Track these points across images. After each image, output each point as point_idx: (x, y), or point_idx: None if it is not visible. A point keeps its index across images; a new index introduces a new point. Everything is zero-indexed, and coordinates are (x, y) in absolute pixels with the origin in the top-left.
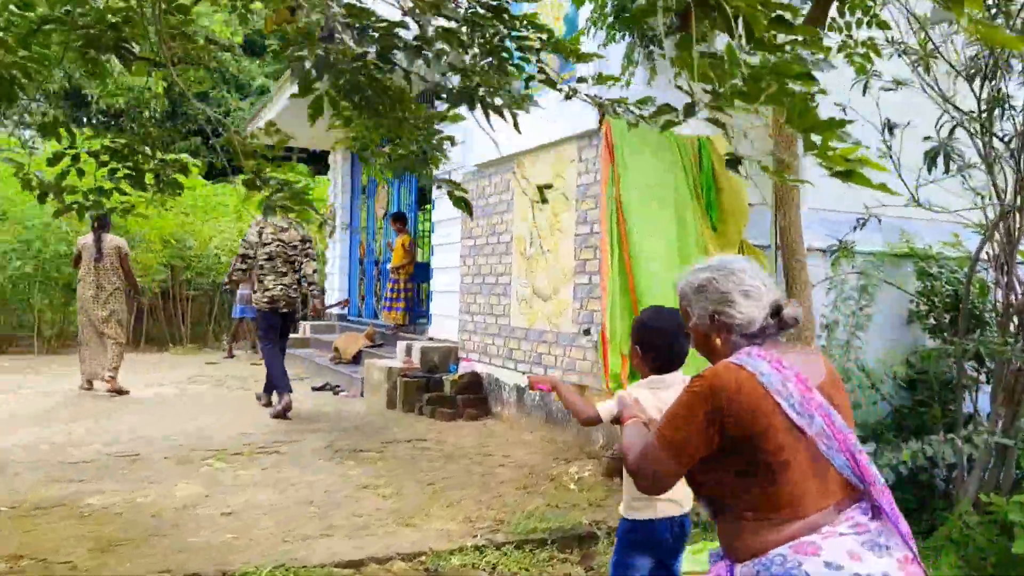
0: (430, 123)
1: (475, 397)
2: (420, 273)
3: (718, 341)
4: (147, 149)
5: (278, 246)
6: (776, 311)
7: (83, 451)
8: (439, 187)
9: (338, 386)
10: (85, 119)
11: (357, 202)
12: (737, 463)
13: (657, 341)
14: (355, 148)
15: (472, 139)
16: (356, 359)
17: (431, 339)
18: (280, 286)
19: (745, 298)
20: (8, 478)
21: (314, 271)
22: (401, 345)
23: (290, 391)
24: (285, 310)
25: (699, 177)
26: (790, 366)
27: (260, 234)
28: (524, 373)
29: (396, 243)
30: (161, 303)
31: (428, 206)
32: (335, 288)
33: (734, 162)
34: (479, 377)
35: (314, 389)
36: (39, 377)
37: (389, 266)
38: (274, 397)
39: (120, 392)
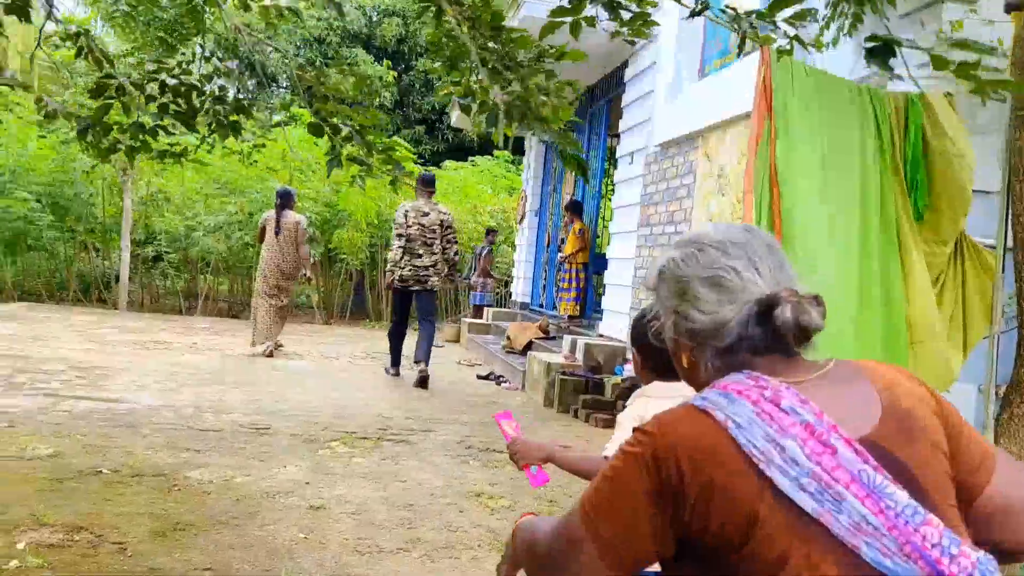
0: (540, 61)
1: None
2: (600, 264)
3: (685, 361)
4: (199, 86)
5: (418, 229)
6: (765, 310)
7: (219, 419)
8: (551, 145)
9: (501, 377)
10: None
11: (547, 189)
12: None
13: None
14: (459, 93)
15: (655, 115)
16: (527, 349)
17: (600, 336)
18: (411, 267)
19: (711, 289)
20: (132, 439)
21: (456, 253)
22: (567, 340)
23: (399, 364)
24: (415, 288)
25: (903, 146)
26: (803, 405)
27: (405, 216)
28: None
29: (570, 231)
30: (367, 278)
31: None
32: (520, 275)
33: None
34: None
35: (479, 378)
36: (235, 339)
37: (560, 255)
38: (421, 366)
39: (271, 355)
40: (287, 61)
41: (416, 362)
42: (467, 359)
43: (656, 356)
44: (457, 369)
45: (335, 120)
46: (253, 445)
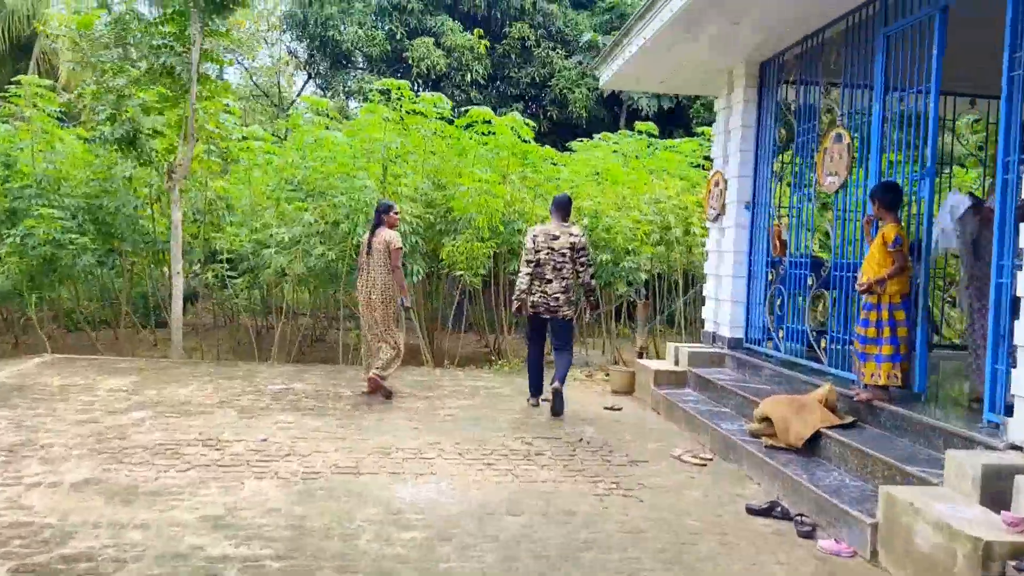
0: None
1: None
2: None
3: None
4: None
5: (547, 253)
6: None
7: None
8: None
9: (801, 516)
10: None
11: (766, 167)
12: None
13: None
14: None
15: None
16: (810, 446)
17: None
18: (541, 293)
19: None
20: None
21: (592, 276)
22: (960, 459)
23: (540, 393)
24: (546, 316)
25: None
26: None
27: (534, 241)
28: None
29: (876, 238)
30: (483, 293)
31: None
32: (723, 297)
33: None
34: None
35: (753, 512)
36: (330, 424)
37: (859, 283)
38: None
39: (377, 391)
40: (364, 35)
41: (552, 384)
42: (687, 449)
43: None
44: (686, 476)
45: None
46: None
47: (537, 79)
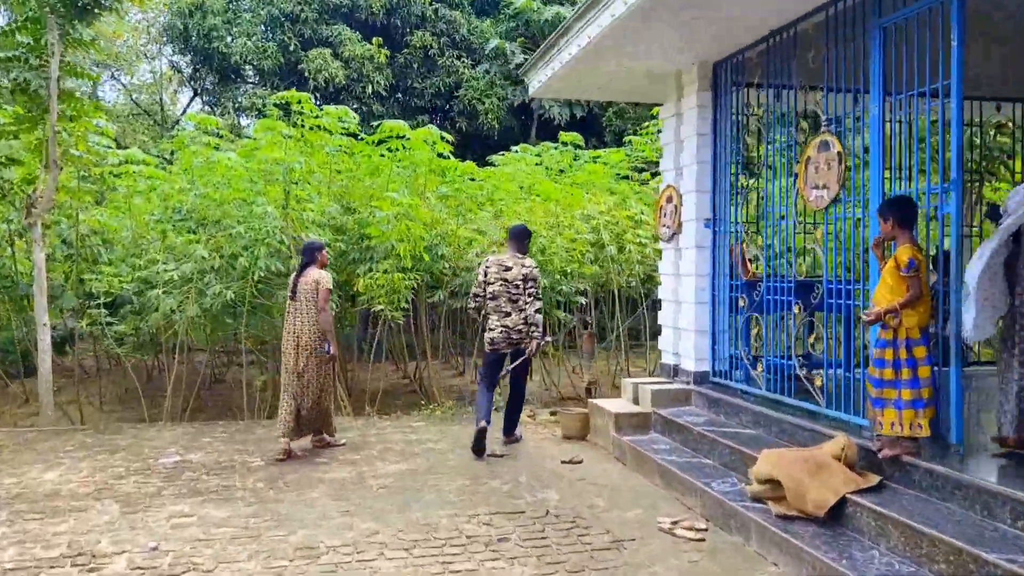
0: None
1: None
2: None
3: None
4: None
5: (501, 285)
6: None
7: None
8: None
9: None
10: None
11: (725, 180)
12: None
13: None
14: None
15: None
16: (833, 514)
17: None
18: (500, 327)
19: None
20: None
21: (536, 311)
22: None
23: (486, 422)
24: (506, 351)
25: None
26: None
27: (486, 273)
28: None
29: (888, 261)
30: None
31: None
32: (684, 326)
33: None
34: None
35: None
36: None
37: (866, 313)
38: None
39: (288, 455)
40: (254, 47)
41: (505, 434)
42: (675, 518)
43: None
44: (688, 561)
45: None
46: None
47: (443, 89)
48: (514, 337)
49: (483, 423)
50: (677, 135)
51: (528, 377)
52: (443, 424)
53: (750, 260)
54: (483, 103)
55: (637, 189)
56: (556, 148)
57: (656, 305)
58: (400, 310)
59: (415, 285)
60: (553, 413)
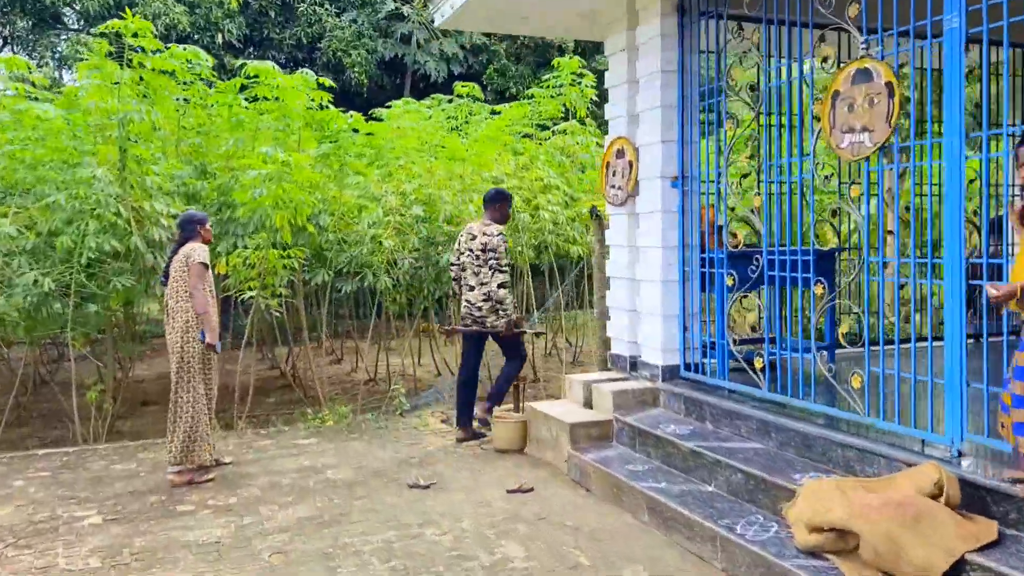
0: None
1: None
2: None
3: None
4: None
5: (468, 255)
6: None
7: None
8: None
9: None
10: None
11: (692, 128)
12: None
13: None
14: None
15: None
16: None
17: None
18: (465, 302)
19: None
20: None
21: (499, 285)
22: None
23: (462, 427)
24: (474, 328)
25: None
26: None
27: (459, 242)
28: None
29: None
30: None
31: None
32: (640, 310)
33: None
34: None
35: None
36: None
37: (994, 290)
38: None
39: (191, 481)
40: None
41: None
42: None
43: None
44: None
45: None
46: None
47: (304, 41)
48: (475, 314)
49: (459, 432)
50: (631, 73)
51: (522, 357)
52: (339, 439)
53: (720, 227)
54: (349, 56)
55: (545, 149)
56: (450, 101)
57: (576, 282)
58: (278, 296)
59: (296, 264)
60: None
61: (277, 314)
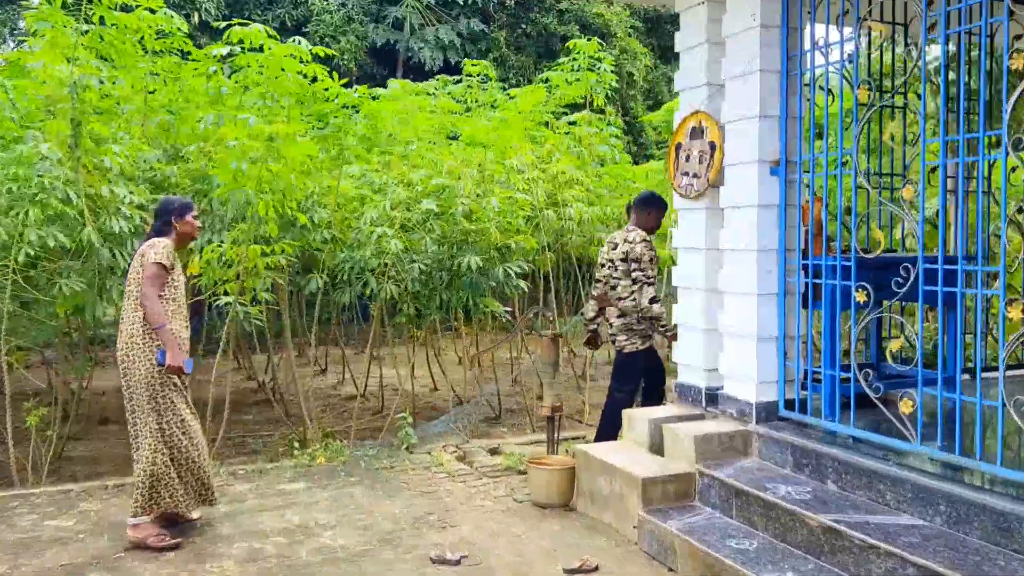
0: None
1: None
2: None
3: None
4: None
5: (609, 267)
6: None
7: None
8: None
9: None
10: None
11: (798, 102)
12: None
13: None
14: None
15: None
16: None
17: None
18: (608, 321)
19: None
20: None
21: (651, 300)
22: None
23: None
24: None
25: None
26: None
27: (601, 254)
28: None
29: None
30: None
31: None
32: (728, 331)
33: None
34: None
35: None
36: None
37: None
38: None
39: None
40: None
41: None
42: None
43: None
44: None
45: None
46: None
47: (289, 23)
48: (613, 333)
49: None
50: (712, 32)
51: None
52: (334, 484)
53: (820, 225)
54: (338, 41)
55: (565, 140)
56: (457, 82)
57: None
58: (259, 304)
59: (283, 263)
60: (493, 451)
61: (258, 323)
